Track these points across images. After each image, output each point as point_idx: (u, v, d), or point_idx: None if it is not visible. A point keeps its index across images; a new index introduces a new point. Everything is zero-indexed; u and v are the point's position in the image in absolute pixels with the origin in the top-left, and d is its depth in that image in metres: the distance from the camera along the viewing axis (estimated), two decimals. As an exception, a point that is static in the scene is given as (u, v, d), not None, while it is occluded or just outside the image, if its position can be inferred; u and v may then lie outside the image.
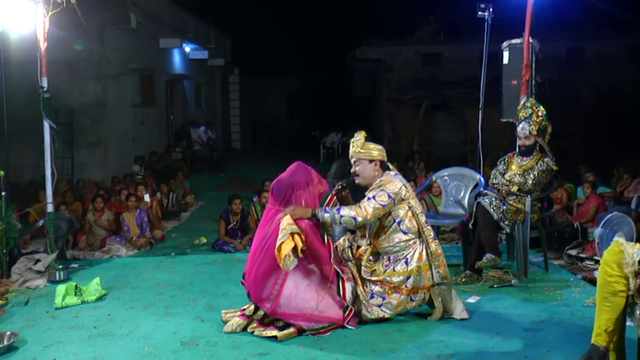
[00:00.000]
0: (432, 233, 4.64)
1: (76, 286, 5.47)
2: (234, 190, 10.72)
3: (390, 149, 17.43)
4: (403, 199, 4.56)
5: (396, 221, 4.58)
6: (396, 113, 19.38)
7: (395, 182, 4.58)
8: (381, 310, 4.57)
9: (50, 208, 6.62)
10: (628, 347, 3.45)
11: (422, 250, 4.58)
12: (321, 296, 4.48)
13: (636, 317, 3.31)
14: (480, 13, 7.08)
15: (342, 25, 25.31)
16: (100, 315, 5.03)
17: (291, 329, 4.40)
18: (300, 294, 4.44)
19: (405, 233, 4.59)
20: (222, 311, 4.85)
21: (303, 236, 4.37)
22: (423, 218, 4.62)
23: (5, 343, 4.31)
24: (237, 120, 24.12)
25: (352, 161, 4.75)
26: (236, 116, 24.08)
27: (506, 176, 5.91)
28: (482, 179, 6.29)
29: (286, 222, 4.38)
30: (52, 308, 5.22)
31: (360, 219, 4.48)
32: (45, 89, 6.51)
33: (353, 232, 6.73)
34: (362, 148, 4.67)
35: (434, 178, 6.84)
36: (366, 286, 4.64)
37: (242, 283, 4.72)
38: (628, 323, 3.38)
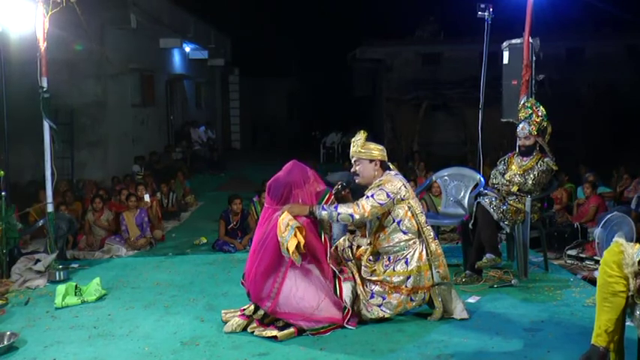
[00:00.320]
0: (431, 233, 4.64)
1: (76, 286, 5.47)
2: (234, 190, 10.72)
3: (390, 149, 17.36)
4: (403, 199, 4.57)
5: (396, 221, 4.58)
6: (396, 113, 19.39)
7: (394, 182, 4.58)
8: (381, 309, 4.57)
9: (50, 208, 6.62)
10: (628, 347, 3.45)
11: (422, 250, 4.58)
12: (321, 296, 4.49)
13: (636, 317, 3.31)
14: (480, 13, 7.08)
15: (342, 25, 25.31)
16: (100, 315, 5.03)
17: (291, 329, 4.40)
18: (300, 293, 4.44)
19: (404, 233, 4.59)
20: (222, 311, 4.85)
21: (304, 232, 4.38)
22: (422, 218, 4.62)
23: (5, 343, 4.31)
24: (237, 120, 24.12)
25: (352, 160, 4.76)
26: (236, 116, 24.08)
27: (506, 176, 5.91)
28: (482, 179, 6.29)
29: (287, 219, 4.38)
30: (52, 308, 5.22)
31: (357, 216, 4.49)
32: (45, 89, 6.51)
33: (353, 232, 6.75)
34: (362, 147, 4.67)
35: (434, 178, 6.84)
36: (366, 286, 4.64)
37: (242, 283, 4.72)
38: (628, 323, 3.38)
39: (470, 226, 5.86)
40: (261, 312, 4.54)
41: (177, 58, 17.48)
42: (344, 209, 4.49)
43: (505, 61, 6.90)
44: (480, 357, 4.02)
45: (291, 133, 26.84)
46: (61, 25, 7.20)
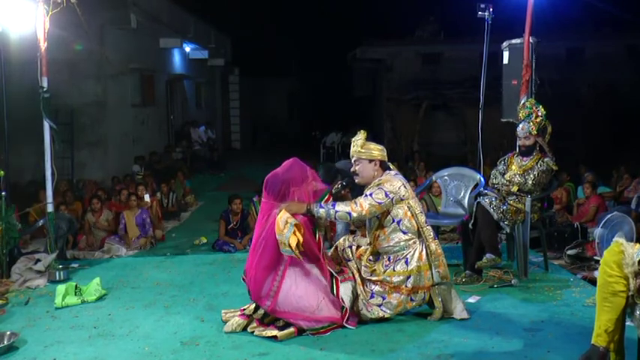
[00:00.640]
0: (431, 233, 4.64)
1: (76, 286, 5.47)
2: (234, 190, 10.71)
3: (390, 149, 17.37)
4: (402, 199, 4.57)
5: (395, 221, 4.58)
6: (396, 113, 19.38)
7: (394, 182, 4.58)
8: (381, 309, 4.57)
9: (50, 208, 6.62)
10: (628, 347, 3.45)
11: (422, 249, 4.58)
12: (321, 295, 4.49)
13: (636, 317, 3.31)
14: (479, 13, 7.08)
15: (342, 25, 25.30)
16: (100, 315, 5.03)
17: (291, 329, 4.41)
18: (299, 292, 4.45)
19: (404, 233, 4.59)
20: (222, 311, 4.85)
21: (302, 230, 4.39)
22: (422, 218, 4.62)
23: (5, 343, 4.32)
24: (237, 120, 24.12)
25: (352, 160, 4.76)
26: (236, 116, 24.07)
27: (507, 176, 5.91)
28: (482, 179, 6.29)
29: (285, 216, 4.39)
30: (52, 308, 5.23)
31: (354, 214, 4.49)
32: (45, 89, 6.51)
33: (353, 232, 6.75)
34: (362, 147, 4.67)
35: (434, 178, 6.84)
36: (366, 286, 4.65)
37: (243, 279, 4.73)
38: (628, 323, 3.38)
39: (470, 226, 5.86)
40: (261, 311, 4.54)
41: (177, 58, 17.48)
42: (342, 207, 4.50)
43: (505, 61, 6.90)
44: (479, 357, 4.02)
45: (291, 133, 26.84)
46: (61, 25, 7.20)
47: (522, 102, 6.24)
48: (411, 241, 4.60)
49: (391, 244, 4.61)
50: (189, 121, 18.27)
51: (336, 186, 4.83)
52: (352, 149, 4.73)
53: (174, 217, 10.37)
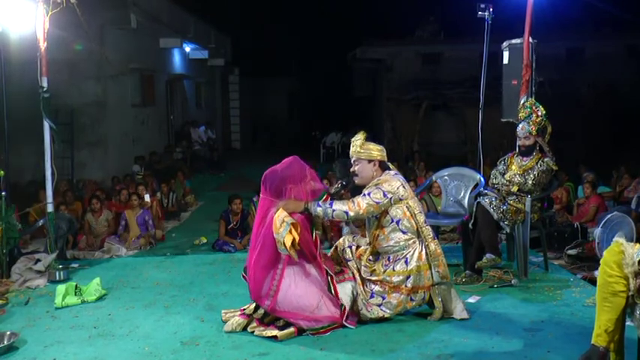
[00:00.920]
0: (431, 233, 4.64)
1: (76, 286, 5.47)
2: (234, 190, 10.71)
3: (390, 149, 17.38)
4: (401, 199, 4.57)
5: (395, 221, 4.58)
6: (396, 113, 19.38)
7: (392, 182, 4.58)
8: (381, 309, 4.57)
9: (50, 208, 6.62)
10: (628, 347, 3.45)
11: (421, 249, 4.57)
12: (320, 294, 4.49)
13: (636, 317, 3.31)
14: (480, 13, 7.08)
15: (342, 25, 25.30)
16: (100, 315, 5.03)
17: (291, 329, 4.41)
18: (299, 291, 4.45)
19: (404, 233, 4.59)
20: (222, 311, 4.85)
21: (299, 228, 4.39)
22: (421, 218, 4.62)
23: (5, 343, 4.32)
24: (237, 120, 24.11)
25: (352, 161, 4.76)
26: (236, 116, 24.07)
27: (507, 176, 5.92)
28: (482, 179, 6.29)
29: (282, 215, 4.39)
30: (52, 308, 5.23)
31: (352, 213, 4.49)
32: (45, 89, 6.51)
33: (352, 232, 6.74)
34: (362, 147, 4.68)
35: (434, 178, 6.85)
36: (366, 286, 4.65)
37: (244, 277, 4.73)
38: (628, 323, 3.38)
39: (470, 226, 5.86)
40: (261, 311, 4.54)
41: (177, 58, 17.47)
42: (339, 206, 4.50)
43: (505, 61, 6.90)
44: (480, 357, 4.02)
45: (291, 133, 26.83)
46: (61, 25, 7.20)
47: (522, 102, 6.25)
48: (411, 241, 4.60)
49: (391, 243, 4.61)
50: (189, 121, 18.26)
51: (336, 186, 4.83)
52: (351, 149, 4.73)
53: (174, 217, 10.37)
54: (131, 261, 7.22)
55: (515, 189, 5.80)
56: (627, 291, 3.25)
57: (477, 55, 13.62)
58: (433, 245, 4.59)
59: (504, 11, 7.37)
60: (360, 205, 4.49)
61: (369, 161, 4.68)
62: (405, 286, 4.55)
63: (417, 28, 20.69)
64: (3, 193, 6.19)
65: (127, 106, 13.62)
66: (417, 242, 4.60)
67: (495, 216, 5.66)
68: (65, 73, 11.56)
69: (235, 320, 4.57)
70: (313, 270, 4.54)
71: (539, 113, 5.84)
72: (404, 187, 4.61)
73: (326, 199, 4.60)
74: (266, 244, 4.45)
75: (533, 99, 6.20)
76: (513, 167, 5.94)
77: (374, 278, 4.62)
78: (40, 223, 7.40)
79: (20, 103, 8.53)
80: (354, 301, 4.60)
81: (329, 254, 4.88)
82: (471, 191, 6.23)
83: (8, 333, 4.45)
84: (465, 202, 6.27)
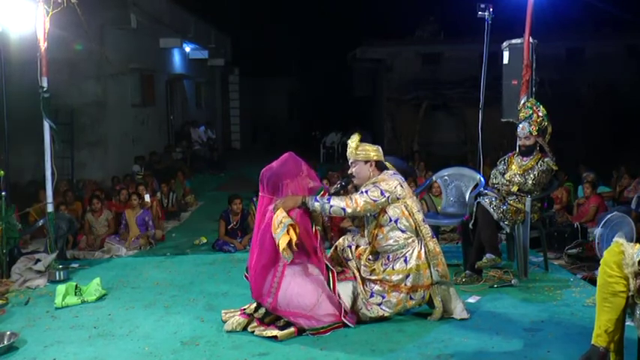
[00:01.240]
0: (429, 232, 4.64)
1: (76, 286, 5.47)
2: (234, 190, 10.70)
3: (390, 149, 17.47)
4: (399, 198, 4.58)
5: (393, 220, 4.59)
6: (396, 113, 19.39)
7: (390, 181, 4.60)
8: (381, 308, 4.58)
9: (50, 208, 6.62)
10: (628, 347, 3.45)
11: (420, 248, 4.58)
12: (319, 292, 4.49)
13: (636, 317, 3.31)
14: (480, 13, 7.08)
15: (342, 25, 25.31)
16: (100, 315, 5.03)
17: (292, 329, 4.41)
18: (298, 290, 4.46)
19: (402, 232, 4.60)
20: (223, 311, 4.85)
21: (297, 229, 4.40)
22: (419, 217, 4.63)
23: (5, 343, 4.32)
24: (237, 120, 24.12)
25: (349, 162, 4.79)
26: (236, 116, 24.07)
27: (507, 176, 5.91)
28: (482, 179, 6.29)
29: (281, 216, 4.40)
30: (52, 308, 5.22)
31: (349, 210, 4.50)
32: (45, 89, 6.51)
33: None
34: (358, 149, 4.71)
35: (434, 178, 6.84)
36: (366, 285, 4.65)
37: (246, 277, 4.74)
38: (628, 323, 3.38)
39: (470, 226, 5.86)
40: (261, 311, 4.55)
41: (177, 58, 17.47)
42: (336, 202, 4.52)
43: (505, 61, 6.89)
44: (480, 357, 4.02)
45: (291, 133, 26.83)
46: (61, 25, 7.20)
47: (523, 102, 6.24)
48: (410, 240, 4.60)
49: (390, 242, 4.62)
50: (189, 121, 18.27)
51: (335, 186, 4.84)
52: (348, 151, 4.77)
53: (174, 217, 10.37)
54: (131, 261, 7.22)
55: (515, 189, 5.80)
56: (627, 291, 3.25)
57: (477, 55, 13.63)
58: (432, 244, 4.59)
59: (504, 11, 7.37)
60: (357, 202, 4.50)
61: (366, 162, 4.70)
62: (405, 284, 4.55)
63: (417, 28, 20.70)
64: (3, 193, 6.19)
65: (127, 106, 13.62)
66: (416, 241, 4.61)
67: (495, 216, 5.66)
68: (65, 73, 11.56)
69: (236, 319, 4.57)
70: (314, 269, 4.55)
71: (540, 113, 5.84)
72: (402, 186, 4.62)
73: (323, 195, 4.62)
74: (266, 242, 4.48)
75: (533, 99, 6.20)
76: (513, 167, 5.94)
77: (373, 277, 4.63)
78: (40, 223, 7.40)
79: (20, 103, 8.52)
80: (355, 300, 4.60)
81: (329, 255, 4.89)
82: (471, 191, 6.23)
83: (8, 333, 4.45)
84: (466, 202, 6.26)
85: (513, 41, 6.78)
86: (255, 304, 4.61)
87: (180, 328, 4.66)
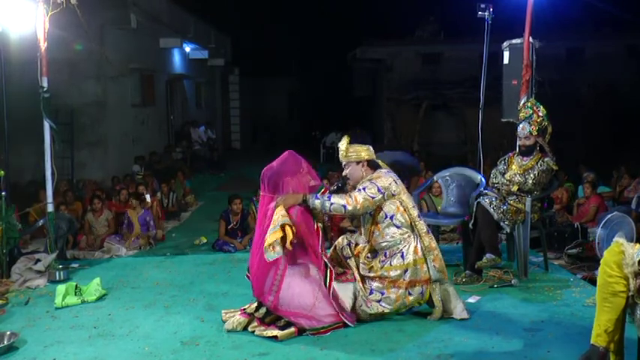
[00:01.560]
0: (424, 227, 4.69)
1: (76, 286, 5.47)
2: (234, 190, 10.71)
3: (390, 149, 17.47)
4: (394, 195, 4.63)
5: (389, 216, 4.63)
6: (396, 113, 19.40)
7: (384, 178, 4.65)
8: (381, 305, 4.60)
9: (50, 208, 6.62)
10: (628, 347, 3.45)
11: (416, 243, 4.63)
12: (317, 292, 4.50)
13: (636, 317, 3.30)
14: (480, 13, 7.08)
15: (342, 25, 25.32)
16: (100, 315, 5.03)
17: (292, 329, 4.41)
18: (298, 289, 4.47)
19: (398, 227, 4.63)
20: (223, 311, 4.85)
21: (294, 228, 4.40)
22: (414, 212, 4.68)
23: (5, 343, 4.32)
24: (237, 120, 24.12)
25: (343, 165, 4.84)
26: (236, 116, 24.08)
27: (507, 176, 5.91)
28: (482, 179, 6.29)
29: (279, 214, 4.41)
30: (52, 308, 5.22)
31: (349, 208, 4.53)
32: (45, 89, 6.51)
33: (353, 231, 6.74)
34: (348, 151, 4.75)
35: (435, 178, 6.84)
36: (365, 283, 4.68)
37: (247, 276, 4.75)
38: (628, 323, 3.38)
39: (470, 226, 5.86)
40: (262, 310, 4.55)
41: (177, 58, 17.48)
42: (337, 200, 4.56)
43: (505, 61, 6.90)
44: (480, 357, 4.02)
45: (291, 133, 26.83)
46: (61, 25, 7.20)
47: (523, 102, 6.24)
48: (406, 235, 4.64)
49: (386, 239, 4.65)
50: (189, 121, 18.27)
51: (332, 187, 4.87)
52: (340, 155, 4.80)
53: (174, 217, 10.37)
54: (131, 261, 7.22)
55: (515, 189, 5.80)
56: (627, 291, 3.25)
57: (476, 55, 13.63)
58: (427, 239, 4.64)
59: (504, 11, 7.36)
60: (357, 199, 4.54)
61: (358, 162, 4.75)
62: (403, 280, 4.58)
63: (417, 28, 20.70)
64: (3, 193, 6.19)
65: (127, 106, 13.62)
66: (412, 236, 4.65)
67: (495, 216, 5.66)
68: (65, 73, 11.56)
69: (236, 319, 4.58)
70: (313, 270, 4.55)
71: (540, 113, 5.84)
72: (396, 182, 4.68)
73: (324, 193, 4.64)
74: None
75: (533, 99, 6.20)
76: (513, 167, 5.93)
77: (372, 275, 4.66)
78: (40, 223, 7.39)
79: (20, 103, 8.52)
80: (355, 300, 4.62)
81: (329, 254, 4.89)
82: (472, 191, 6.23)
83: (8, 333, 4.45)
84: (466, 202, 6.26)
85: (513, 41, 6.78)
86: (255, 304, 4.62)
87: (180, 328, 4.66)
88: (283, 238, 4.33)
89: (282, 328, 4.42)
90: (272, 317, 4.51)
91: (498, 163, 6.15)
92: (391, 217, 4.62)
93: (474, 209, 5.81)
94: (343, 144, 4.77)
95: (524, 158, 5.91)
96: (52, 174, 6.64)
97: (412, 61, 19.55)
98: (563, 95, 16.03)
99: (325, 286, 4.52)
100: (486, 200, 5.76)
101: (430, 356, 4.02)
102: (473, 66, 14.63)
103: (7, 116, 7.02)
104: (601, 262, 3.36)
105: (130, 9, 12.17)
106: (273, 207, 4.50)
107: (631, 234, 5.75)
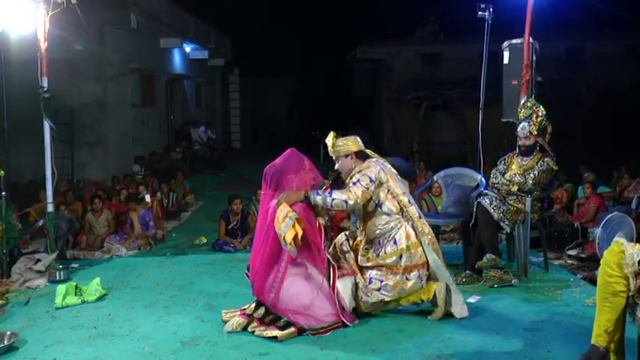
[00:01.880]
0: (416, 212, 4.75)
1: (76, 286, 5.47)
2: (234, 190, 10.69)
3: (390, 149, 17.48)
4: (382, 183, 4.70)
5: (378, 205, 4.70)
6: (396, 113, 19.38)
7: (373, 167, 4.71)
8: (380, 293, 4.65)
9: (50, 208, 6.62)
10: (628, 347, 3.45)
11: (408, 228, 4.68)
12: (316, 291, 4.51)
13: (637, 317, 3.30)
14: (480, 13, 7.08)
15: (342, 25, 25.31)
16: (100, 315, 5.03)
17: (292, 329, 4.41)
18: (299, 289, 4.48)
19: (388, 215, 4.70)
20: (223, 311, 4.86)
21: (302, 223, 4.44)
22: (405, 199, 4.73)
23: (5, 343, 4.32)
24: (237, 120, 24.11)
25: (334, 160, 4.90)
26: (236, 116, 24.07)
27: (507, 176, 5.91)
28: (483, 180, 6.29)
29: (286, 210, 4.43)
30: (52, 308, 5.23)
31: (351, 202, 4.59)
32: (45, 89, 6.51)
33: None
34: (336, 146, 4.80)
35: (435, 178, 6.85)
36: (364, 273, 4.73)
37: (247, 275, 4.76)
38: (628, 323, 3.38)
39: (470, 226, 5.86)
40: (261, 310, 4.55)
41: (177, 58, 17.47)
42: (338, 195, 4.61)
43: (505, 61, 6.90)
44: (480, 357, 4.02)
45: (291, 133, 26.81)
46: (61, 26, 7.20)
47: (522, 102, 6.24)
48: (396, 221, 4.70)
49: (379, 227, 4.71)
50: (189, 121, 18.26)
51: (327, 181, 4.91)
52: (329, 150, 4.85)
53: (174, 217, 10.37)
54: (131, 261, 7.22)
55: (515, 189, 5.80)
56: (627, 291, 3.25)
57: (476, 55, 13.61)
58: (420, 224, 4.71)
59: (504, 11, 7.36)
60: (356, 193, 4.60)
61: (347, 155, 4.81)
62: (399, 265, 4.63)
63: (417, 28, 20.68)
64: (3, 193, 6.19)
65: (127, 106, 13.61)
66: (402, 221, 4.71)
67: (495, 216, 5.66)
68: (65, 73, 11.55)
69: (236, 320, 4.58)
70: (313, 269, 4.56)
71: (540, 113, 5.84)
72: (383, 171, 4.74)
73: (325, 189, 4.68)
74: (269, 239, 4.51)
75: (533, 99, 6.20)
76: (513, 167, 5.93)
77: (369, 264, 4.72)
78: (40, 223, 7.40)
79: (20, 103, 8.52)
80: (355, 296, 4.64)
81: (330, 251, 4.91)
82: (472, 191, 6.23)
83: (8, 333, 4.45)
84: (466, 202, 6.26)
85: (513, 41, 6.78)
86: (254, 304, 4.62)
87: (180, 328, 4.66)
88: (295, 235, 4.36)
89: (282, 329, 4.42)
90: (272, 317, 4.51)
91: (498, 163, 6.15)
92: (380, 205, 4.69)
93: (474, 209, 5.81)
94: (330, 139, 4.83)
95: (524, 158, 5.91)
96: (52, 174, 6.64)
97: (412, 61, 19.54)
98: (563, 95, 16.01)
99: (329, 283, 4.53)
100: (486, 200, 5.76)
101: (430, 356, 4.02)
102: (473, 66, 14.61)
103: (7, 116, 7.02)
104: (601, 262, 3.36)
105: (130, 9, 12.17)
106: (275, 205, 4.51)
107: (631, 234, 5.75)
